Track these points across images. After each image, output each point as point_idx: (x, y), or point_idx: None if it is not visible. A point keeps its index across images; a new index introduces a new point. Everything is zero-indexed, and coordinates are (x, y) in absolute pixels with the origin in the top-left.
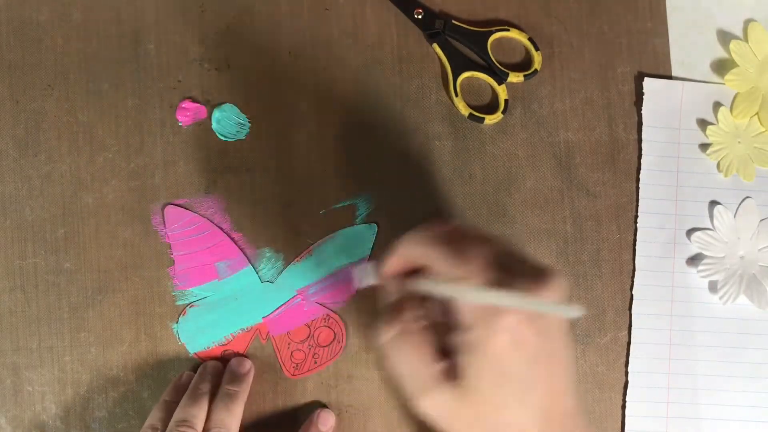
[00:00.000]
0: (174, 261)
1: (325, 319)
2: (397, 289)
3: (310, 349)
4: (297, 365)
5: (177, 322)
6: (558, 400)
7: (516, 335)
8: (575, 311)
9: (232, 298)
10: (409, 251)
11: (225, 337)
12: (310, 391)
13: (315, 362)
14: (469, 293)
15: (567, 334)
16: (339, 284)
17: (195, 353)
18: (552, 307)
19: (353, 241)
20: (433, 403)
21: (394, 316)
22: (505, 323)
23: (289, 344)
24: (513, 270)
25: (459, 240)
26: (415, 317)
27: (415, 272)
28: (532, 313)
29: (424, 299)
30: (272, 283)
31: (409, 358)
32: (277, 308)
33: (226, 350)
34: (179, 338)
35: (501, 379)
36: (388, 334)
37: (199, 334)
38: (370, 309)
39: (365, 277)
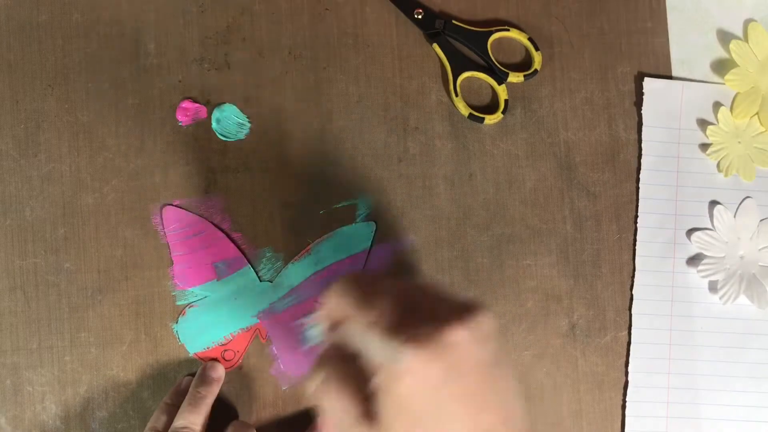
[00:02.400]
0: (173, 261)
1: None
2: (327, 338)
3: (307, 351)
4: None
5: (176, 323)
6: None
7: (418, 376)
8: (399, 361)
9: (231, 297)
10: (331, 302)
11: (225, 337)
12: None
13: (311, 362)
14: (367, 340)
15: (492, 371)
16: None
17: (195, 353)
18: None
19: (352, 239)
20: None
21: (320, 365)
22: (406, 365)
23: (288, 344)
24: (424, 311)
25: (370, 286)
26: (339, 364)
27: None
28: (440, 352)
29: (347, 347)
30: (271, 282)
31: (332, 404)
32: (276, 307)
33: (226, 350)
34: (179, 338)
35: (413, 421)
36: (313, 383)
37: (198, 335)
38: None
39: (313, 335)
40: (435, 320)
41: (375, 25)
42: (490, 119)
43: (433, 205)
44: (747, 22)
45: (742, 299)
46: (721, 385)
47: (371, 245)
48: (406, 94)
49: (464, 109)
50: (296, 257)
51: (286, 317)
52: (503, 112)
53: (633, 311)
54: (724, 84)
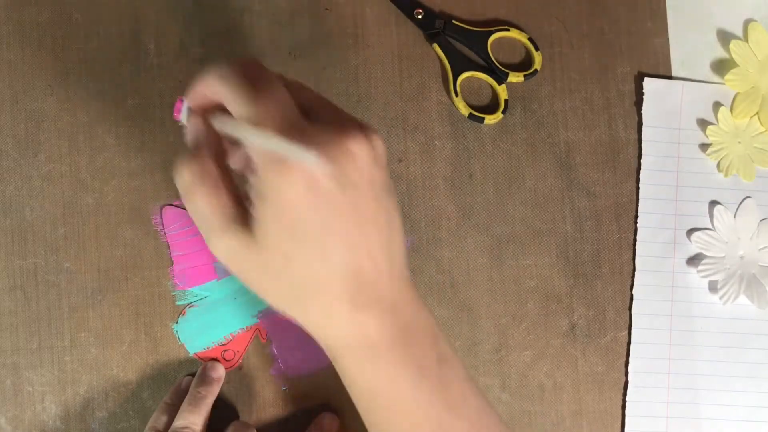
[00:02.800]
0: (173, 261)
1: None
2: (196, 127)
3: (307, 350)
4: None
5: (176, 323)
6: (369, 259)
7: (311, 183)
8: (315, 160)
9: (231, 297)
10: (206, 86)
11: (225, 337)
12: (311, 391)
13: (312, 363)
14: (254, 135)
15: (383, 192)
16: None
17: (195, 353)
18: (306, 156)
19: None
20: (222, 247)
21: (192, 156)
22: (300, 170)
23: (288, 343)
24: (322, 118)
25: (260, 80)
26: (212, 158)
27: (217, 110)
28: (338, 158)
29: (224, 140)
30: None
31: (204, 199)
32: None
33: (226, 350)
34: (179, 338)
35: (293, 229)
36: (184, 174)
37: (198, 335)
38: None
39: (183, 114)
40: (332, 128)
41: (375, 25)
42: (490, 119)
43: (433, 205)
44: (747, 22)
45: (742, 299)
46: (721, 385)
47: None
48: (406, 94)
49: (464, 109)
50: None
51: (286, 317)
52: (503, 112)
53: (633, 311)
54: (724, 84)
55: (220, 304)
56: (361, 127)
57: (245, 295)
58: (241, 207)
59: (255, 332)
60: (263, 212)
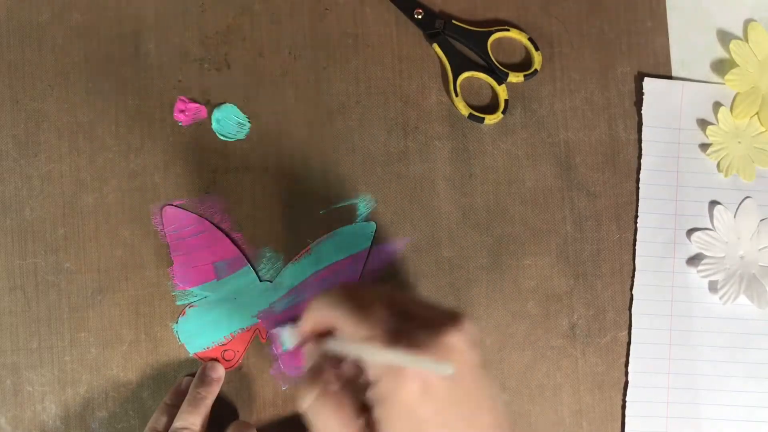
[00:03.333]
0: (173, 261)
1: None
2: (313, 352)
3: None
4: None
5: (176, 323)
6: None
7: (423, 383)
8: (448, 369)
9: (231, 297)
10: (317, 314)
11: (225, 337)
12: None
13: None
14: (370, 351)
15: (483, 373)
16: (338, 281)
17: (195, 353)
18: (428, 364)
19: (352, 239)
20: None
21: (312, 379)
22: (413, 376)
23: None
24: (418, 318)
25: (360, 298)
26: (333, 377)
27: (328, 334)
28: (440, 356)
29: (339, 360)
30: (271, 282)
31: (330, 418)
32: (276, 307)
33: (226, 350)
34: (179, 338)
35: (417, 426)
36: (307, 399)
37: (198, 335)
38: None
39: (286, 340)
40: (429, 327)
41: (375, 25)
42: (490, 119)
43: (433, 205)
44: (747, 22)
45: (742, 299)
46: (721, 385)
47: (371, 245)
48: (406, 94)
49: (464, 109)
50: (296, 257)
51: (285, 317)
52: (503, 112)
53: (633, 311)
54: (724, 84)
55: (220, 304)
56: (453, 319)
57: (245, 295)
58: (366, 415)
59: (255, 332)
60: (385, 417)
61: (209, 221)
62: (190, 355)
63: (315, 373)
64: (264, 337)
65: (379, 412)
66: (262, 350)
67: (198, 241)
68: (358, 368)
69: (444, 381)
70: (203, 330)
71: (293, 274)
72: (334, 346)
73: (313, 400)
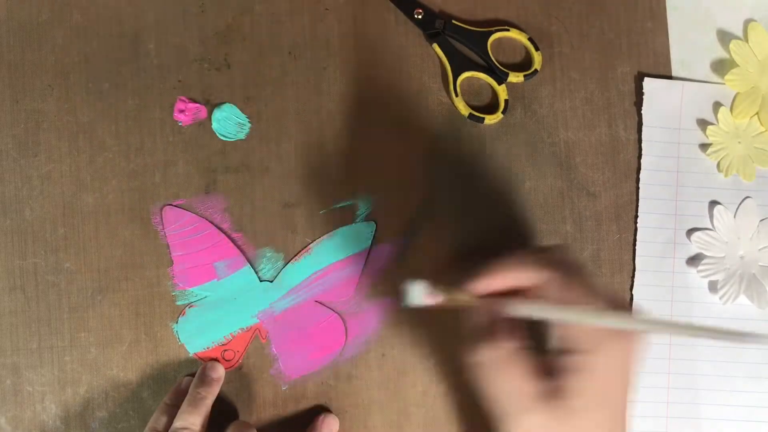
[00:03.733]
0: (173, 261)
1: (324, 318)
2: (490, 309)
3: (306, 351)
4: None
5: (176, 323)
6: (626, 426)
7: (625, 360)
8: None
9: (231, 297)
10: (518, 271)
11: (225, 337)
12: (311, 391)
13: (311, 363)
14: (586, 317)
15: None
16: (338, 281)
17: (195, 353)
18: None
19: (352, 239)
20: (532, 422)
21: (490, 336)
22: (619, 347)
23: (287, 345)
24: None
25: (568, 266)
26: (513, 338)
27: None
28: (635, 339)
29: (515, 321)
30: (271, 282)
31: (507, 378)
32: (276, 307)
33: (226, 350)
34: (179, 338)
35: (602, 402)
36: (485, 355)
37: (198, 335)
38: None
39: (416, 296)
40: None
41: (375, 26)
42: (490, 119)
43: (433, 206)
44: (747, 22)
45: (742, 299)
46: (721, 385)
47: (371, 245)
48: (406, 94)
49: (464, 109)
50: (296, 257)
51: (286, 317)
52: (503, 112)
53: (633, 311)
54: (724, 84)
55: (220, 303)
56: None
57: (245, 295)
58: (544, 383)
59: (255, 332)
60: (580, 386)
61: (209, 221)
62: (190, 354)
63: (493, 331)
64: (264, 336)
65: (573, 380)
66: (263, 350)
67: (198, 241)
68: (539, 334)
69: (635, 363)
70: (203, 330)
71: (293, 273)
72: (527, 308)
73: (492, 361)
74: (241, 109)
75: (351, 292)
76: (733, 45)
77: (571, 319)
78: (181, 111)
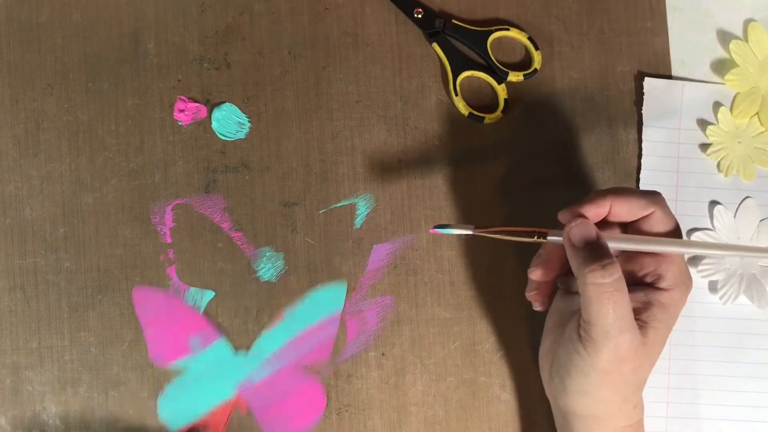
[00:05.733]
0: (146, 340)
1: (303, 384)
2: (607, 241)
3: (289, 417)
4: None
5: (158, 402)
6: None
7: (685, 301)
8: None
9: (209, 371)
10: (633, 200)
11: (205, 412)
12: None
13: (297, 430)
14: (683, 248)
15: None
16: (313, 345)
17: (177, 430)
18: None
19: (324, 302)
20: (625, 344)
21: (611, 264)
22: (688, 289)
23: (269, 414)
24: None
25: (665, 205)
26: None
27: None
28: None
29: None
30: (246, 351)
31: (622, 302)
32: (254, 378)
33: (208, 425)
34: (161, 417)
35: (669, 333)
36: (610, 276)
37: (179, 412)
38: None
39: (454, 230)
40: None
41: (375, 25)
42: (490, 118)
43: (433, 205)
44: (747, 22)
45: (742, 299)
46: (721, 385)
47: (344, 304)
48: (406, 94)
49: (464, 109)
50: (269, 326)
51: (265, 387)
52: (503, 112)
53: None
54: (724, 84)
55: (198, 378)
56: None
57: (222, 368)
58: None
59: (235, 405)
60: (662, 321)
61: (178, 299)
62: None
63: (608, 259)
64: (244, 409)
65: (658, 314)
66: (243, 422)
67: (169, 318)
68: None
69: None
70: (183, 406)
71: (268, 342)
72: (633, 240)
73: (614, 281)
74: (241, 109)
75: (327, 354)
76: (733, 45)
77: (668, 251)
78: (181, 110)
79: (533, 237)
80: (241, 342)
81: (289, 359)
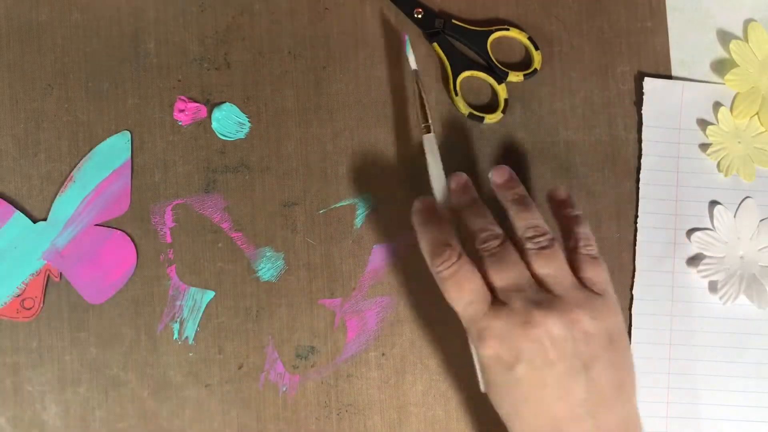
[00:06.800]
0: None
1: (110, 238)
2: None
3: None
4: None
5: None
6: None
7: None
8: None
9: (11, 247)
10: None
11: (18, 288)
12: (310, 390)
13: (113, 285)
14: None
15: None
16: (110, 198)
17: None
18: None
19: (110, 153)
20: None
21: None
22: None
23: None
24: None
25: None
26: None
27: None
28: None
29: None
30: (45, 220)
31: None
32: (58, 244)
33: (24, 299)
34: None
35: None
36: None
37: None
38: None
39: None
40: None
41: (375, 25)
42: (490, 118)
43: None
44: (747, 22)
45: (742, 299)
46: (721, 385)
47: (131, 153)
48: (406, 94)
49: (464, 109)
50: (61, 189)
51: (71, 250)
52: (503, 112)
53: (633, 311)
54: (724, 84)
55: (1, 256)
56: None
57: (24, 241)
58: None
59: (46, 273)
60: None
61: None
62: None
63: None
64: (57, 275)
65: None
66: (61, 289)
67: None
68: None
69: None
70: None
71: (64, 205)
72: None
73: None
74: (241, 109)
75: (126, 205)
76: (733, 45)
77: None
78: (181, 110)
79: (423, 124)
80: (38, 212)
81: (89, 218)
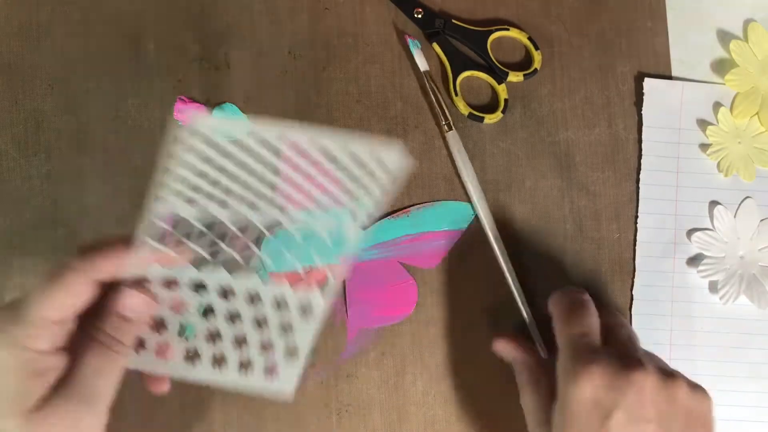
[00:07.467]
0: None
1: (402, 281)
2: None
3: (376, 306)
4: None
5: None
6: None
7: (591, 394)
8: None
9: (323, 231)
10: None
11: (303, 267)
12: (310, 390)
13: (376, 320)
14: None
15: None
16: (426, 249)
17: (272, 273)
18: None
19: (451, 215)
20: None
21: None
22: (584, 379)
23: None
24: (627, 347)
25: (578, 303)
26: (533, 364)
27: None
28: (620, 385)
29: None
30: (364, 230)
31: (524, 402)
32: (361, 255)
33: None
34: (259, 255)
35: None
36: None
37: (281, 258)
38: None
39: None
40: (627, 356)
41: (375, 25)
42: (490, 118)
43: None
44: (747, 22)
45: (742, 299)
46: (721, 385)
47: (468, 227)
48: (406, 94)
49: (464, 109)
50: (393, 215)
51: (367, 268)
52: (503, 112)
53: (633, 311)
54: (724, 84)
55: (310, 233)
56: (658, 364)
57: (335, 233)
58: (549, 411)
59: (329, 270)
60: (557, 415)
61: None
62: (265, 276)
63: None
64: (338, 278)
65: (554, 410)
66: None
67: (307, 172)
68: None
69: (618, 408)
70: (287, 253)
71: (387, 229)
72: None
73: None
74: (241, 109)
75: (435, 264)
76: (733, 45)
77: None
78: (181, 110)
79: (444, 122)
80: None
81: (400, 253)
